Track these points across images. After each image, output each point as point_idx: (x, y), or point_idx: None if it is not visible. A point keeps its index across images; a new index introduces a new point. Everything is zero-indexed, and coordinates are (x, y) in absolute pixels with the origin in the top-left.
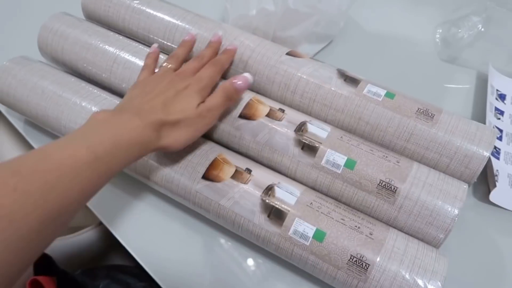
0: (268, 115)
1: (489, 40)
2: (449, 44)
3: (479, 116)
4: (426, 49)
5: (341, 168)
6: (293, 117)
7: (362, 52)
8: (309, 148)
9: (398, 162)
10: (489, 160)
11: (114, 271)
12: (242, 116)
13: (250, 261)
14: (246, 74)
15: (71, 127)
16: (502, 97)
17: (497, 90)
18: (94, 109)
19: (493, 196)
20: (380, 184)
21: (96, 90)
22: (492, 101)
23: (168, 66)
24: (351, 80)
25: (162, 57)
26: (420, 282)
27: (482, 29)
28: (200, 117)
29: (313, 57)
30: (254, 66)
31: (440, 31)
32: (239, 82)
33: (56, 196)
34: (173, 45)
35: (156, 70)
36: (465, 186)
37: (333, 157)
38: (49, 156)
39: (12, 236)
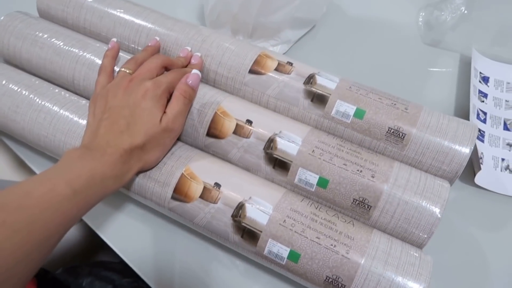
0: (235, 132)
1: (472, 22)
2: (432, 27)
3: (463, 99)
4: (409, 32)
5: (314, 186)
6: (262, 128)
7: (345, 36)
8: (281, 166)
9: (373, 177)
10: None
11: (98, 268)
12: (209, 134)
13: (227, 263)
14: (195, 71)
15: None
16: (485, 79)
17: (480, 72)
18: (55, 109)
19: (478, 178)
20: (354, 202)
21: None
22: (475, 83)
23: (126, 71)
24: (319, 99)
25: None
26: None
27: (465, 12)
28: (166, 132)
29: (287, 50)
30: (222, 88)
31: (423, 14)
32: (191, 81)
33: (39, 228)
34: (138, 48)
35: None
36: (444, 200)
37: (305, 176)
38: (31, 192)
39: (0, 269)
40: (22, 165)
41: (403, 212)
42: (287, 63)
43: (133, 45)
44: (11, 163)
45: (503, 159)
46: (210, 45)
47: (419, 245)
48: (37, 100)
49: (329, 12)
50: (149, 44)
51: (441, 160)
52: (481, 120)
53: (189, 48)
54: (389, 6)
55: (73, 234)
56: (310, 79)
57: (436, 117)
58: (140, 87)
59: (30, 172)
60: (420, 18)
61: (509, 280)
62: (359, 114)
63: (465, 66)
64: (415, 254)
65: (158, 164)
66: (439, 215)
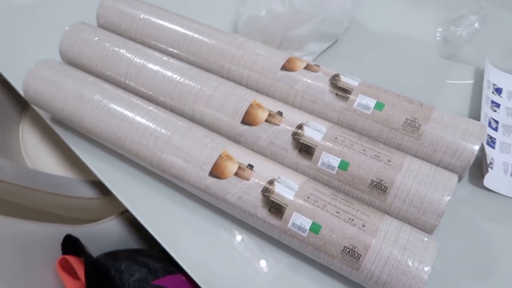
0: (267, 120)
1: (485, 37)
2: (448, 42)
3: (476, 109)
4: (427, 47)
5: (336, 169)
6: (291, 119)
7: (365, 50)
8: (306, 151)
9: (389, 162)
10: (483, 149)
11: (134, 254)
12: (243, 122)
13: (269, 255)
14: None
15: (93, 130)
16: (498, 91)
17: (493, 84)
18: (111, 105)
19: (487, 181)
20: (371, 184)
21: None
22: (488, 94)
23: None
24: (343, 92)
25: (175, 62)
26: (410, 265)
27: (478, 27)
28: None
29: (312, 61)
30: (254, 84)
31: (440, 30)
32: None
33: None
34: (181, 53)
35: None
36: (454, 180)
37: (328, 159)
38: None
39: None
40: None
41: (416, 193)
42: (314, 65)
43: (177, 51)
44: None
45: None
46: (247, 49)
47: (430, 229)
48: (96, 97)
49: (351, 27)
50: None
51: (452, 150)
52: (492, 128)
53: None
54: (408, 22)
55: (111, 225)
56: (335, 77)
57: (448, 114)
58: None
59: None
60: (437, 34)
61: None
62: (379, 106)
63: (480, 78)
64: (424, 238)
65: (195, 143)
66: (447, 198)
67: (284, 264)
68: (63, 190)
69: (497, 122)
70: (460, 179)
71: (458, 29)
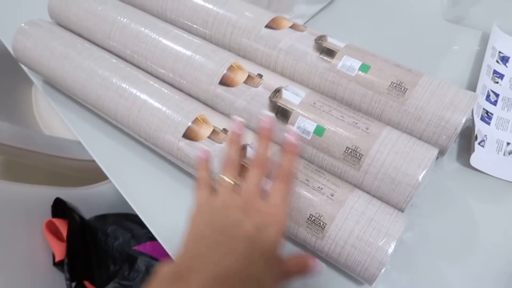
0: (246, 82)
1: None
2: (457, 3)
3: (476, 78)
4: (431, 9)
5: (311, 134)
6: (270, 82)
7: (364, 13)
8: (282, 114)
9: (367, 129)
10: (474, 125)
11: (122, 218)
12: (222, 83)
13: None
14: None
15: (75, 87)
16: (504, 60)
17: (499, 52)
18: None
19: (474, 160)
20: (346, 151)
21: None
22: (490, 63)
23: (228, 181)
24: (328, 53)
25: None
26: (376, 236)
27: None
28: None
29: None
30: (237, 42)
31: None
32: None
33: None
34: (165, 12)
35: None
36: (434, 153)
37: (304, 124)
38: None
39: None
40: None
41: (392, 162)
42: (301, 25)
43: (161, 9)
44: None
45: (508, 143)
46: (232, 6)
47: (404, 201)
48: (81, 56)
49: None
50: (235, 131)
51: (438, 118)
52: (491, 102)
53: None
54: None
55: (105, 189)
56: (321, 38)
57: (437, 81)
58: (256, 217)
59: None
60: None
61: (497, 254)
62: (364, 68)
63: (486, 44)
64: (393, 212)
65: (174, 106)
66: (424, 170)
67: None
68: (62, 152)
69: (497, 95)
70: (444, 152)
71: None
